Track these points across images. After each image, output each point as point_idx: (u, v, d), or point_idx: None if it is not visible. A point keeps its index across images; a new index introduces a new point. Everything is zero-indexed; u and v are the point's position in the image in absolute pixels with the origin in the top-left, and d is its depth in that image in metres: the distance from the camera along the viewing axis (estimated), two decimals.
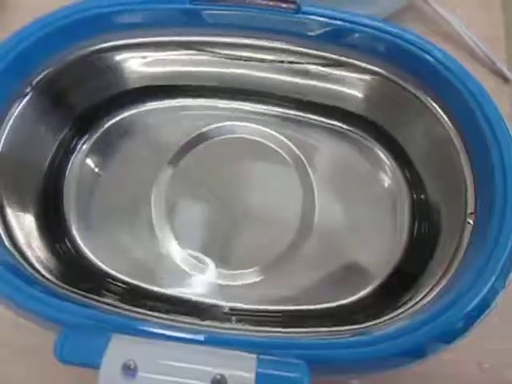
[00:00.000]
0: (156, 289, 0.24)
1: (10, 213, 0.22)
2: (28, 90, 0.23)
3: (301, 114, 0.27)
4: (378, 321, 0.21)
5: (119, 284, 0.24)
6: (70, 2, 0.23)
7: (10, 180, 0.23)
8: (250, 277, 0.24)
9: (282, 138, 0.27)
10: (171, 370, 0.17)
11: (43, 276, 0.21)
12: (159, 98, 0.27)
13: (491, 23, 0.32)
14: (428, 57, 0.21)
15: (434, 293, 0.21)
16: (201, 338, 0.18)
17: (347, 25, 0.22)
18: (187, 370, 0.17)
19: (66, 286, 0.21)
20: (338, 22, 0.22)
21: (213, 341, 0.18)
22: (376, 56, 0.23)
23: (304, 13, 0.22)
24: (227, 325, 0.21)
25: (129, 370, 0.16)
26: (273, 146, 0.27)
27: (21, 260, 0.21)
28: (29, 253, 0.22)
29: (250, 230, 0.25)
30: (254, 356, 0.17)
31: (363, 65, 0.24)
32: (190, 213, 0.26)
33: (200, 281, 0.24)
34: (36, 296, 0.19)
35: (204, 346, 0.18)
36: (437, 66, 0.21)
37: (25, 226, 0.23)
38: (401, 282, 0.23)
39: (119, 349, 0.17)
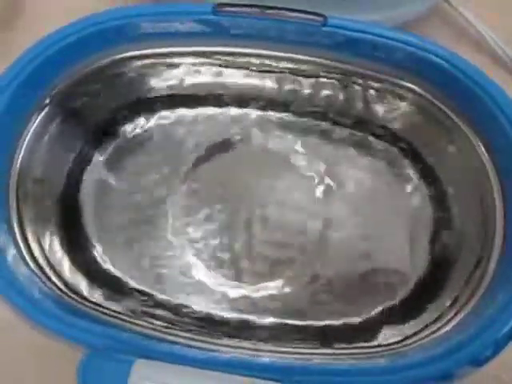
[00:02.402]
0: (174, 302, 0.24)
1: (29, 229, 0.22)
2: (46, 102, 0.23)
3: (324, 125, 0.26)
4: (401, 342, 0.21)
5: (139, 296, 0.24)
6: (88, 13, 0.22)
7: (30, 194, 0.23)
8: (268, 290, 0.24)
9: (302, 149, 0.26)
10: None
11: (65, 293, 0.21)
12: (176, 108, 0.26)
13: None
14: (461, 75, 0.20)
15: (461, 316, 0.20)
16: (220, 362, 0.18)
17: (376, 38, 0.21)
18: None
19: (88, 303, 0.21)
20: (367, 36, 0.21)
21: (233, 365, 0.18)
22: (407, 71, 0.23)
23: (331, 26, 0.21)
24: (246, 343, 0.21)
25: None
26: (293, 157, 0.26)
27: (43, 278, 0.21)
28: (49, 270, 0.22)
29: (268, 242, 0.25)
30: None
31: (395, 80, 0.23)
32: (207, 224, 0.25)
33: (218, 294, 0.24)
34: (57, 315, 0.19)
35: (224, 370, 0.18)
36: (471, 86, 0.20)
37: (45, 242, 0.23)
38: (422, 299, 0.23)
39: (142, 375, 0.17)
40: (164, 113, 0.27)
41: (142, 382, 0.16)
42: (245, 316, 0.24)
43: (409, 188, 0.25)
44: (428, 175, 0.25)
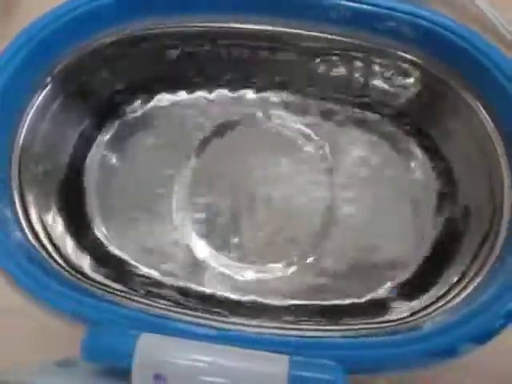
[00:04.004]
0: (178, 283, 0.24)
1: (32, 208, 0.22)
2: (48, 80, 0.23)
3: (326, 104, 0.26)
4: (410, 317, 0.21)
5: (143, 276, 0.24)
6: None
7: (32, 174, 0.23)
8: (274, 271, 0.24)
9: (304, 129, 0.26)
10: (201, 371, 0.16)
11: (67, 271, 0.21)
12: (178, 89, 0.26)
13: None
14: (469, 47, 0.20)
15: (468, 290, 0.20)
16: (229, 337, 0.18)
17: (379, 10, 0.21)
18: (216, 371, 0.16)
19: (92, 282, 0.21)
20: (370, 7, 0.21)
21: (242, 340, 0.18)
22: (413, 45, 0.22)
23: None
24: (254, 322, 0.21)
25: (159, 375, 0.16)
26: (295, 137, 0.26)
27: (45, 255, 0.21)
28: (53, 248, 0.22)
29: (273, 224, 0.25)
30: (287, 357, 0.16)
31: (399, 54, 0.23)
32: (212, 206, 0.25)
33: (225, 275, 0.24)
34: (62, 292, 0.19)
35: (233, 345, 0.18)
36: (480, 58, 0.20)
37: (48, 221, 0.23)
38: (429, 275, 0.23)
39: (148, 349, 0.16)
40: (166, 94, 0.26)
41: (148, 354, 0.16)
42: (250, 297, 0.23)
43: (413, 164, 0.25)
44: (432, 151, 0.24)
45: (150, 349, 0.16)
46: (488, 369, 0.23)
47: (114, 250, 0.24)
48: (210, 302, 0.23)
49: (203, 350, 0.17)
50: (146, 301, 0.21)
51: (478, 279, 0.20)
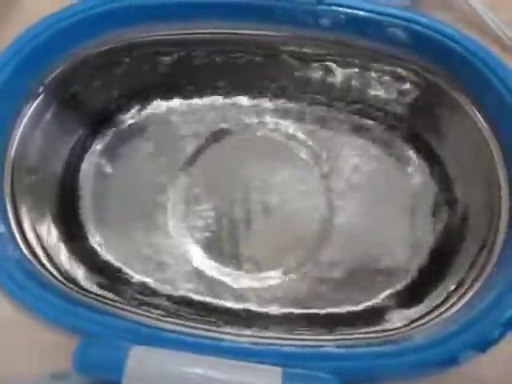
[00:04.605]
0: (174, 291, 0.23)
1: (25, 218, 0.22)
2: (40, 89, 0.23)
3: (321, 110, 0.26)
4: (407, 326, 0.20)
5: (138, 285, 0.23)
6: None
7: (25, 184, 0.22)
8: (271, 279, 0.24)
9: (300, 135, 0.26)
10: None
11: (61, 282, 0.21)
12: (172, 97, 0.26)
13: None
14: (459, 48, 0.20)
15: (466, 298, 0.20)
16: (222, 349, 0.17)
17: (377, 16, 0.21)
18: None
19: (85, 292, 0.21)
20: (363, 13, 0.21)
21: (235, 352, 0.18)
22: (408, 50, 0.22)
23: (326, 4, 0.21)
24: (247, 331, 0.21)
25: None
26: (291, 143, 0.26)
27: (38, 266, 0.21)
28: (46, 258, 0.21)
29: (270, 232, 0.24)
30: (280, 370, 0.16)
31: (395, 60, 0.23)
32: (207, 213, 0.25)
33: (219, 283, 0.24)
34: (53, 303, 0.19)
35: (225, 356, 0.17)
36: (470, 58, 0.20)
37: (42, 231, 0.22)
38: (426, 283, 0.22)
39: (139, 362, 0.16)
40: (160, 101, 0.26)
41: (139, 367, 0.16)
42: (246, 305, 0.23)
43: (410, 170, 0.25)
44: (429, 156, 0.24)
45: (141, 362, 0.16)
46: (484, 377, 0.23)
47: (109, 258, 0.24)
48: (204, 311, 0.23)
49: (195, 362, 0.16)
50: (140, 311, 0.21)
51: (477, 286, 0.20)
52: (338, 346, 0.19)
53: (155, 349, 0.17)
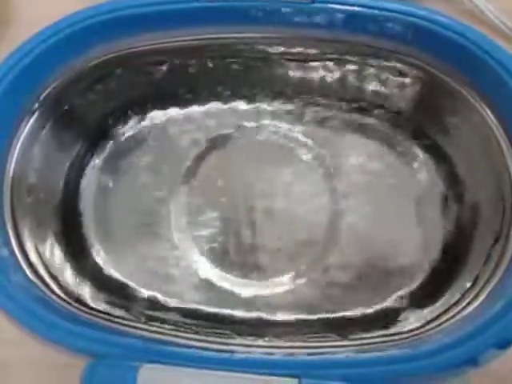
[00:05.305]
0: (182, 304, 0.23)
1: (28, 240, 0.21)
2: (36, 106, 0.22)
3: (321, 110, 0.25)
4: (422, 327, 0.20)
5: (146, 300, 0.23)
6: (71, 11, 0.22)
7: (26, 204, 0.22)
8: (279, 285, 0.23)
9: (303, 137, 0.25)
10: None
11: (67, 302, 0.21)
12: (168, 106, 0.26)
13: None
14: (465, 41, 0.19)
15: (483, 296, 0.19)
16: (235, 362, 0.17)
17: (374, 11, 0.20)
18: None
19: (92, 311, 0.21)
20: (359, 9, 0.20)
21: (248, 364, 0.17)
22: (408, 44, 0.21)
23: (321, 2, 0.20)
24: (259, 341, 0.20)
25: None
26: (292, 146, 0.25)
27: (43, 288, 0.20)
28: (51, 279, 0.21)
29: (276, 237, 0.24)
30: (296, 380, 0.16)
31: (393, 54, 0.22)
32: (211, 222, 0.24)
33: (227, 292, 0.23)
34: (59, 325, 0.18)
35: (239, 370, 0.17)
36: (479, 53, 0.19)
37: (45, 251, 0.22)
38: (440, 282, 0.22)
39: (149, 382, 0.16)
40: (157, 112, 0.26)
41: None
42: (256, 313, 0.23)
43: (416, 167, 0.24)
44: (434, 151, 0.24)
45: (150, 381, 0.16)
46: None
47: (115, 274, 0.24)
48: (214, 323, 0.22)
49: (206, 379, 0.16)
50: (149, 327, 0.21)
51: (493, 283, 0.19)
52: (353, 352, 0.18)
53: (165, 366, 0.16)
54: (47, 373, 0.24)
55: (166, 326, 0.21)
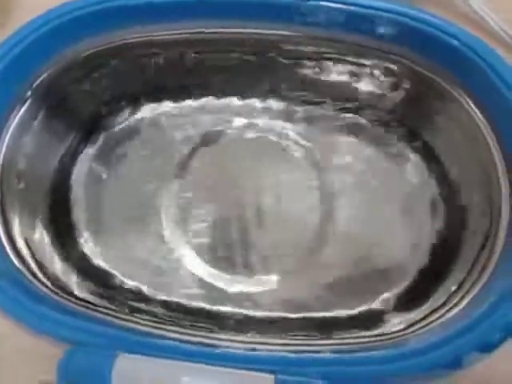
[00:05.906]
0: (168, 297, 0.23)
1: (16, 227, 0.21)
2: (28, 94, 0.22)
3: (313, 109, 0.25)
4: (407, 329, 0.20)
5: (132, 291, 0.23)
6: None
7: (15, 192, 0.22)
8: (267, 283, 0.23)
9: (295, 135, 0.25)
10: None
11: (51, 290, 0.21)
12: (162, 100, 0.26)
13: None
14: (459, 45, 0.19)
15: (467, 300, 0.19)
16: (214, 356, 0.17)
17: (368, 11, 0.20)
18: None
19: (76, 300, 0.21)
20: (353, 8, 0.20)
21: (227, 358, 0.17)
22: (400, 45, 0.21)
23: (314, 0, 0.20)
24: (242, 337, 0.20)
25: None
26: (286, 144, 0.25)
27: (28, 275, 0.20)
28: (37, 267, 0.21)
29: (266, 235, 0.24)
30: (272, 377, 0.16)
31: (386, 55, 0.22)
32: (201, 217, 0.24)
33: (214, 288, 0.23)
34: (40, 313, 0.18)
35: (218, 364, 0.17)
36: (470, 55, 0.19)
37: (34, 239, 0.22)
38: (426, 285, 0.22)
39: (125, 371, 0.16)
40: (151, 104, 0.26)
41: (125, 376, 0.15)
42: (241, 310, 0.23)
43: (405, 167, 0.24)
44: (425, 152, 0.24)
45: (127, 370, 0.15)
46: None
47: (102, 263, 0.24)
48: (197, 316, 0.22)
49: (182, 370, 0.16)
50: (132, 318, 0.21)
51: (478, 287, 0.19)
52: (335, 351, 0.18)
53: (143, 357, 0.16)
54: (39, 362, 0.24)
55: (149, 318, 0.21)
